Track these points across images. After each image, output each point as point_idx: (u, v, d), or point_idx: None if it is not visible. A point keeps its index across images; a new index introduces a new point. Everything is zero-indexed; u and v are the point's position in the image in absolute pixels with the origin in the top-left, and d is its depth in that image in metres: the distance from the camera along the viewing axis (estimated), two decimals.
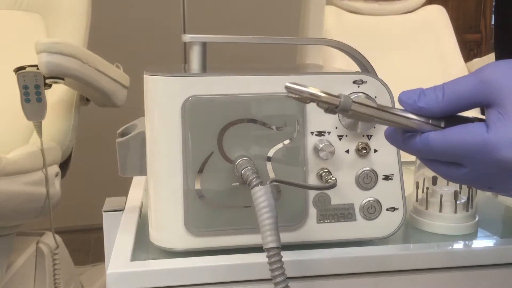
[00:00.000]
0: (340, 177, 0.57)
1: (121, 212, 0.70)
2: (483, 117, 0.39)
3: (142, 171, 0.63)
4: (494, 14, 0.69)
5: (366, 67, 0.59)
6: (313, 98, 0.39)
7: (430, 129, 0.39)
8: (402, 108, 0.40)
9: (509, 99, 0.36)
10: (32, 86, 1.21)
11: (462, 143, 0.37)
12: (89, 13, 1.55)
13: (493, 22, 2.73)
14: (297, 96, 0.40)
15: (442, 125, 0.39)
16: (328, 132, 0.57)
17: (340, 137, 0.57)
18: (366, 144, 0.57)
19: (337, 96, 0.40)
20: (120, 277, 0.53)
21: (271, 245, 0.46)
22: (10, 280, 1.30)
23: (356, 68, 0.61)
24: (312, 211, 0.57)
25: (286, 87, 0.40)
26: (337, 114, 0.56)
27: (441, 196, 0.65)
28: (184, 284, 0.54)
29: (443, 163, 0.40)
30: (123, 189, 0.80)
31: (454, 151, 0.38)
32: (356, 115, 0.40)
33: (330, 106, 0.40)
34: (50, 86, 1.25)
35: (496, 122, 0.36)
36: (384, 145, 0.58)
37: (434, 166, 0.41)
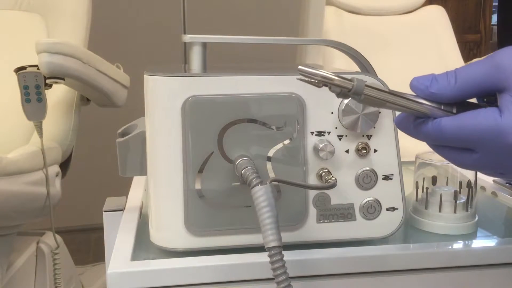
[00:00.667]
0: (340, 177, 0.57)
1: (121, 212, 0.70)
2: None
3: (142, 171, 0.63)
4: (498, 11, 0.69)
5: (366, 67, 0.59)
6: (325, 82, 0.39)
7: (442, 114, 0.39)
8: (413, 93, 0.40)
9: None
10: (33, 86, 1.21)
11: (474, 128, 0.37)
12: (89, 13, 1.55)
13: (493, 22, 2.73)
14: (309, 79, 0.39)
15: (454, 111, 0.39)
16: (328, 132, 0.57)
17: (340, 137, 0.57)
18: (366, 144, 0.57)
19: (350, 80, 0.39)
20: (121, 276, 0.53)
21: (272, 244, 0.46)
22: (11, 280, 1.30)
23: (356, 68, 0.61)
24: (312, 211, 0.57)
25: (299, 70, 0.39)
26: (337, 114, 0.56)
27: (441, 196, 0.65)
28: (184, 284, 0.54)
29: (455, 149, 0.40)
30: (123, 189, 0.80)
31: (467, 136, 0.38)
32: (368, 100, 0.40)
33: (343, 90, 0.39)
34: (50, 86, 1.25)
35: (510, 107, 0.36)
36: (384, 145, 0.58)
37: (445, 152, 0.41)
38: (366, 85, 0.39)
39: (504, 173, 0.39)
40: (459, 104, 0.39)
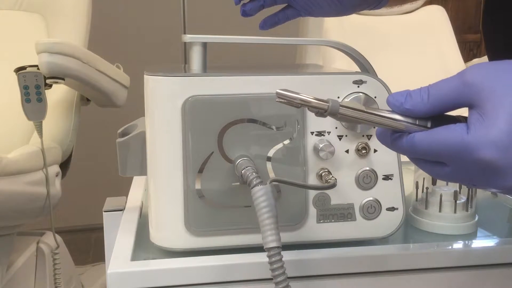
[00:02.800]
0: (340, 177, 0.57)
1: (121, 212, 0.70)
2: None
3: (142, 171, 0.63)
4: (483, 16, 0.68)
5: (366, 67, 0.59)
6: (303, 104, 0.41)
7: (417, 129, 0.41)
8: (390, 109, 0.42)
9: (488, 101, 0.37)
10: (33, 86, 1.21)
11: (444, 144, 0.39)
12: (89, 13, 1.55)
13: None
14: (288, 102, 0.42)
15: (429, 125, 0.41)
16: (328, 132, 0.57)
17: (340, 137, 0.57)
18: (366, 144, 0.57)
19: (326, 101, 0.41)
20: (121, 276, 0.53)
21: (271, 244, 0.46)
22: (11, 280, 1.30)
23: (356, 68, 0.61)
24: (312, 211, 0.57)
25: (277, 93, 0.41)
26: None
27: (441, 196, 0.65)
28: (184, 284, 0.54)
29: (429, 162, 0.42)
30: (123, 189, 0.80)
31: (437, 151, 0.39)
32: (345, 118, 0.42)
33: (320, 110, 0.42)
34: (50, 86, 1.25)
35: (476, 124, 0.37)
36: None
37: (421, 164, 0.43)
38: (341, 105, 0.41)
39: (475, 185, 0.41)
40: (434, 118, 0.41)
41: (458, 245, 0.61)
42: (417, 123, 0.41)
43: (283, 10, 0.73)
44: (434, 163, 0.41)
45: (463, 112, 0.40)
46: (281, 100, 0.42)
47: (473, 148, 0.37)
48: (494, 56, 0.67)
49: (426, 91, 0.40)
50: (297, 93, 0.41)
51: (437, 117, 0.41)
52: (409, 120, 0.41)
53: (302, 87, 0.56)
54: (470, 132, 0.37)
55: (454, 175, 0.40)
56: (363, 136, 0.57)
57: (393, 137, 0.42)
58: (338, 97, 0.56)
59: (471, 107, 0.38)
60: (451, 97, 0.39)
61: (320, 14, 0.70)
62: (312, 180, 0.57)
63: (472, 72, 0.38)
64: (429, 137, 0.40)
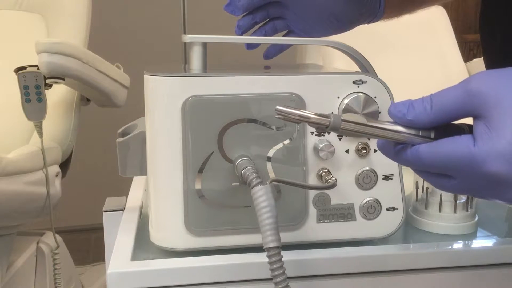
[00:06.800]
0: (340, 177, 0.57)
1: (121, 212, 0.70)
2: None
3: (142, 171, 0.63)
4: (480, 22, 0.68)
5: (366, 67, 0.59)
6: (303, 120, 0.41)
7: (420, 141, 0.40)
8: (392, 120, 0.41)
9: (495, 112, 0.36)
10: (33, 86, 1.21)
11: (450, 157, 0.38)
12: (89, 13, 1.55)
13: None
14: (288, 117, 0.41)
15: (432, 135, 0.40)
16: (328, 132, 0.57)
17: (340, 137, 0.57)
18: (366, 144, 0.57)
19: (327, 116, 0.41)
20: (120, 276, 0.53)
21: (271, 244, 0.46)
22: (11, 280, 1.30)
23: (356, 68, 0.61)
24: (312, 211, 0.57)
25: (276, 110, 0.41)
26: (337, 114, 0.56)
27: (441, 196, 0.65)
28: (184, 284, 0.54)
29: (434, 174, 0.41)
30: (123, 189, 0.80)
31: (443, 164, 0.38)
32: (347, 133, 0.41)
33: (321, 126, 0.41)
34: (50, 86, 1.25)
35: (483, 135, 0.36)
36: None
37: (425, 176, 0.42)
38: (343, 120, 0.41)
39: (482, 196, 0.40)
40: (437, 128, 0.40)
41: (458, 245, 0.61)
42: (420, 134, 0.40)
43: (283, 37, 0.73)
44: (439, 175, 0.40)
45: (466, 120, 0.40)
46: (280, 116, 0.41)
47: (480, 161, 0.36)
48: (492, 63, 0.67)
49: (429, 101, 0.39)
50: (297, 109, 0.41)
51: (441, 127, 0.40)
52: (412, 132, 0.40)
53: (302, 87, 0.56)
54: (477, 144, 0.36)
55: (461, 187, 0.39)
56: None
57: (396, 149, 0.41)
58: (338, 97, 0.56)
59: (476, 117, 0.37)
60: (455, 107, 0.38)
61: (320, 34, 0.70)
62: (312, 180, 0.57)
63: (477, 80, 0.37)
64: (434, 149, 0.39)
